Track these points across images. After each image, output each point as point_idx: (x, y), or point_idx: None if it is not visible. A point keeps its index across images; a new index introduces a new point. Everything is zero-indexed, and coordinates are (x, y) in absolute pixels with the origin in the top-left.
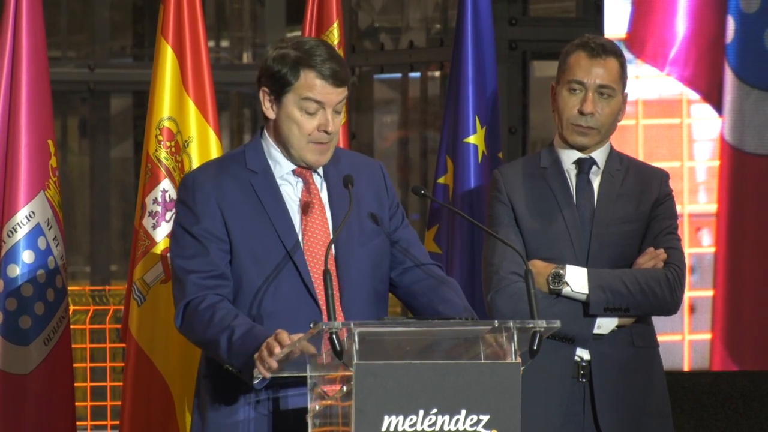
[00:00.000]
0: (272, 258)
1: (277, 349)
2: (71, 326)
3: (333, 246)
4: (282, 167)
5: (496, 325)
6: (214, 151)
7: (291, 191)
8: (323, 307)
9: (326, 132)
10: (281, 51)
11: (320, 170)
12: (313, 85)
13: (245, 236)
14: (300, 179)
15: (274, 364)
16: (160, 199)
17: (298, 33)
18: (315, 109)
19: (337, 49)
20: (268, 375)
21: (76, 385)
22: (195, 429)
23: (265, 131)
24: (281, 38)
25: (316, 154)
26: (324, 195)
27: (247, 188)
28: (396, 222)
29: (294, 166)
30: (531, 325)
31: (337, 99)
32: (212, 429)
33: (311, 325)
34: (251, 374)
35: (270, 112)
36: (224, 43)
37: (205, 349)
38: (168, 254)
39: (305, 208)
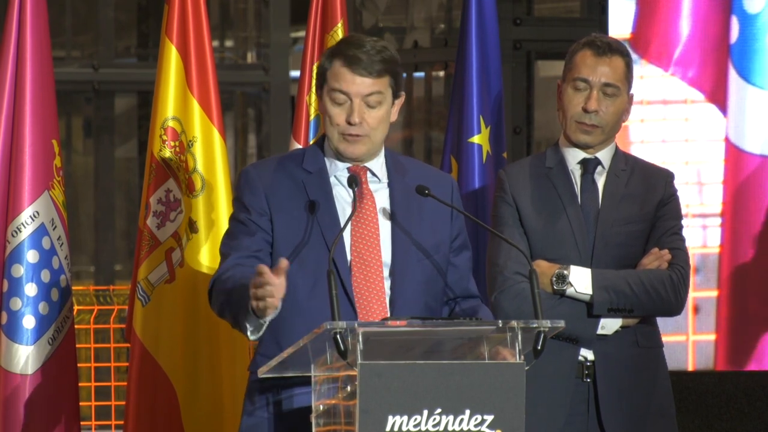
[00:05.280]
0: (314, 257)
1: (266, 276)
2: (75, 326)
3: (391, 257)
4: (337, 165)
5: (500, 325)
6: (219, 151)
7: (344, 193)
8: (358, 309)
9: (349, 123)
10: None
11: (383, 178)
12: (338, 73)
13: (289, 234)
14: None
15: (269, 292)
16: (164, 199)
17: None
18: (342, 100)
19: None
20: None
21: (80, 384)
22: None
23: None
24: None
25: (348, 145)
26: (386, 204)
27: (300, 188)
28: (456, 244)
29: (349, 164)
30: (535, 325)
31: (364, 90)
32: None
33: (327, 325)
34: (246, 325)
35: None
36: (228, 43)
37: (222, 317)
38: (172, 254)
39: (356, 209)
